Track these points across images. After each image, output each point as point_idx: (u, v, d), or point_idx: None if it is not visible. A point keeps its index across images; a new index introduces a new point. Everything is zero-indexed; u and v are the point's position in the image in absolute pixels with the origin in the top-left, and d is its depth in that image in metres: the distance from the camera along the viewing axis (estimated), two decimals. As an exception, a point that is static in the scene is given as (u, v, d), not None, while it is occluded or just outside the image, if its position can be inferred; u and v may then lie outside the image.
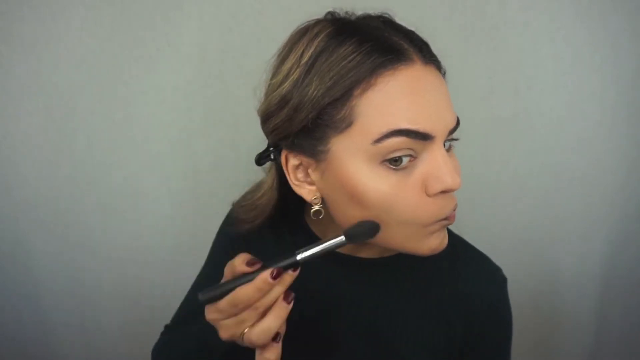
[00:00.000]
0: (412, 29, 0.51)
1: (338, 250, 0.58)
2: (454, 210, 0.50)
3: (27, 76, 0.83)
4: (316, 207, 0.52)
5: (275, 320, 0.44)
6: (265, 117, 0.52)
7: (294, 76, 0.47)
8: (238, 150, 0.89)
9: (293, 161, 0.51)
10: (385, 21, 0.51)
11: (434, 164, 0.47)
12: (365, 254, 0.59)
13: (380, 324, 0.59)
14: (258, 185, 0.62)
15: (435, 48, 0.88)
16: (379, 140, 0.45)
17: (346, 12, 0.52)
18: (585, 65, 0.87)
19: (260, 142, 0.77)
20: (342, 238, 0.45)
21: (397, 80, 0.46)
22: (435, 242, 0.50)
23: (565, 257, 0.97)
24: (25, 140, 0.86)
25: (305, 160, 0.50)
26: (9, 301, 0.94)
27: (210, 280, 0.55)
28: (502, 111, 0.89)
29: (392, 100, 0.45)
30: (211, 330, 0.48)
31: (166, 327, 0.69)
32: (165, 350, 0.64)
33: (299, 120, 0.47)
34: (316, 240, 0.60)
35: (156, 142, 0.88)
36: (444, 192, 0.47)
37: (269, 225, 0.61)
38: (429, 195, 0.47)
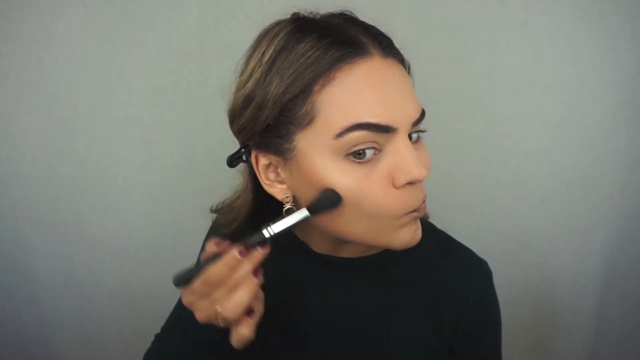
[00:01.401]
0: (373, 24, 0.52)
1: (320, 252, 0.59)
2: (424, 201, 0.50)
3: (27, 76, 0.83)
4: (288, 206, 0.52)
5: (245, 293, 0.45)
6: (232, 118, 0.52)
7: (256, 75, 0.48)
8: (238, 150, 0.89)
9: (263, 161, 0.52)
10: (346, 18, 0.51)
11: (399, 156, 0.47)
12: (347, 253, 0.59)
13: (367, 323, 0.59)
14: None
15: (435, 48, 0.89)
16: (340, 134, 0.45)
17: (310, 12, 0.53)
18: (585, 65, 0.87)
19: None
20: (304, 212, 0.46)
21: (356, 73, 0.46)
22: (407, 235, 0.50)
23: (565, 257, 0.97)
24: (25, 140, 0.86)
25: (274, 159, 0.50)
26: (9, 301, 0.94)
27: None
28: (502, 111, 0.89)
29: (351, 94, 0.46)
30: (194, 325, 0.49)
31: (156, 336, 0.69)
32: (154, 356, 0.64)
33: (263, 119, 0.48)
34: (301, 243, 0.60)
35: (156, 142, 0.88)
36: (410, 183, 0.47)
37: (252, 229, 0.61)
38: (396, 188, 0.47)
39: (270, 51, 0.48)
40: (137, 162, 0.89)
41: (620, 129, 0.90)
